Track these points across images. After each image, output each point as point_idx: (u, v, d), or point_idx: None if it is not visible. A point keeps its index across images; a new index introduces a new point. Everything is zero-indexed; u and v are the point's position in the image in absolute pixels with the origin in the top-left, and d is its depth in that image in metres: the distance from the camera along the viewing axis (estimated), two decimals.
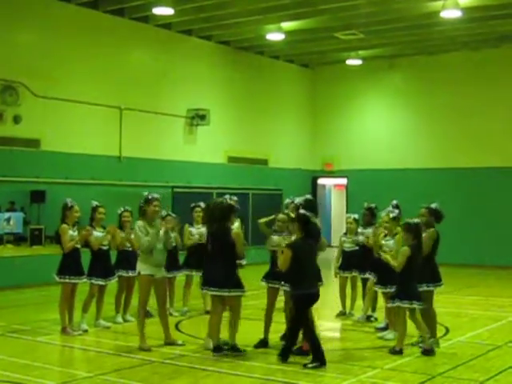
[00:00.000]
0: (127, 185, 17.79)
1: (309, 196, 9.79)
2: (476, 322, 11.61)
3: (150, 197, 9.40)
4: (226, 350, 8.79)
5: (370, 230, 11.15)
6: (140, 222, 9.32)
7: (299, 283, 8.48)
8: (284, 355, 8.49)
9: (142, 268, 9.26)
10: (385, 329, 10.20)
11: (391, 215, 9.92)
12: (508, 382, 7.85)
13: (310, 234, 8.61)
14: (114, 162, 17.87)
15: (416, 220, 9.19)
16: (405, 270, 8.97)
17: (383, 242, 9.91)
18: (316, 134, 24.40)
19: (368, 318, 11.36)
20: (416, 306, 8.95)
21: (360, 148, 23.47)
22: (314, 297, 8.55)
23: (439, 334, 9.90)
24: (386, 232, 10.03)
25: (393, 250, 9.61)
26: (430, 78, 22.29)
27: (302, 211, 8.80)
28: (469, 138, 21.54)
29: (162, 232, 9.35)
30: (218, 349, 8.77)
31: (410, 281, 8.98)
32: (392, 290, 9.45)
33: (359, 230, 11.66)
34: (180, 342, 9.44)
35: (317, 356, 8.33)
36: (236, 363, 8.47)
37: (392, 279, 9.40)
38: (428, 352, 8.89)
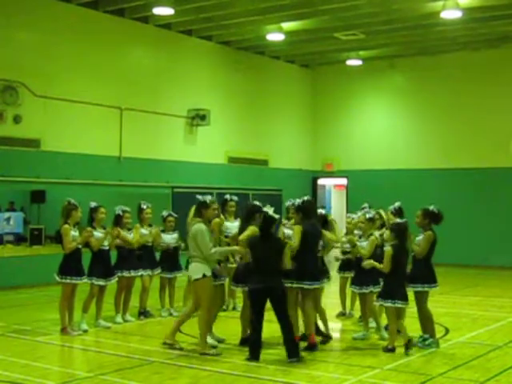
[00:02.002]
0: (127, 185, 17.79)
1: (307, 197, 9.81)
2: (476, 323, 11.60)
3: (208, 201, 9.25)
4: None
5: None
6: (204, 226, 9.09)
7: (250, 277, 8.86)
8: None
9: (206, 270, 8.99)
10: (385, 329, 10.20)
11: (367, 216, 9.96)
12: (509, 382, 7.85)
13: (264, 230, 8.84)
14: (114, 162, 17.86)
15: (400, 220, 9.39)
16: (389, 269, 9.10)
17: (357, 243, 9.98)
18: (316, 134, 24.40)
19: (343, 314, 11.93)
20: (400, 305, 9.06)
21: (360, 148, 23.48)
22: (257, 291, 8.65)
23: (439, 334, 9.91)
24: (361, 233, 10.09)
25: (366, 250, 9.74)
26: (431, 78, 22.29)
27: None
28: (469, 139, 21.54)
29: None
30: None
31: (393, 280, 9.09)
32: (367, 290, 9.81)
33: (355, 231, 11.61)
34: (178, 346, 9.30)
35: (250, 350, 8.65)
36: (236, 363, 8.49)
37: (367, 280, 9.73)
38: (390, 350, 9.03)
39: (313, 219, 9.42)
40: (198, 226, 9.08)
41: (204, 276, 8.95)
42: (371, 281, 9.80)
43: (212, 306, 9.30)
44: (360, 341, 9.86)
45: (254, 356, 8.60)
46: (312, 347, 9.15)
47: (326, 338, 9.80)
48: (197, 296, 9.10)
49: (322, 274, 9.73)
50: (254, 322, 8.73)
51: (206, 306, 9.03)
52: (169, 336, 9.32)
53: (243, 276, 9.24)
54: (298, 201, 9.55)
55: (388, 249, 9.09)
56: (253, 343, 8.70)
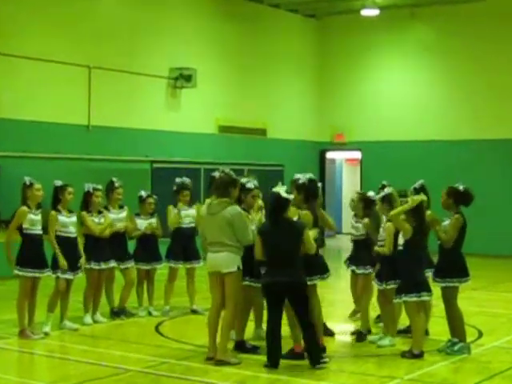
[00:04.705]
0: (97, 159, 17.75)
1: (310, 175, 9.74)
2: None
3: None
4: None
5: None
6: (240, 209, 9.04)
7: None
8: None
9: (239, 262, 8.92)
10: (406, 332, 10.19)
11: (378, 196, 9.95)
12: None
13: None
14: (81, 131, 17.80)
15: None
16: (409, 257, 9.12)
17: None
18: (324, 98, 24.37)
19: None
20: (426, 297, 9.16)
21: (376, 115, 23.42)
22: (269, 286, 8.70)
23: (471, 337, 9.89)
24: None
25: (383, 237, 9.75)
26: (460, 29, 22.10)
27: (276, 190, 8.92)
28: (508, 104, 21.45)
29: None
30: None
31: (415, 269, 9.13)
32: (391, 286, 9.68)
33: None
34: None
35: (268, 356, 8.66)
36: (225, 371, 8.47)
37: (390, 275, 9.60)
38: (416, 356, 9.04)
39: (313, 203, 9.40)
40: (233, 210, 8.90)
41: (238, 269, 8.90)
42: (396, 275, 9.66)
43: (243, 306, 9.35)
44: (372, 344, 9.87)
45: (272, 363, 8.59)
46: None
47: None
48: (225, 292, 8.94)
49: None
50: (269, 323, 8.71)
51: (234, 304, 8.94)
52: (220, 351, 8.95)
53: (246, 270, 9.15)
54: (300, 176, 9.47)
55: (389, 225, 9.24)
56: (270, 347, 8.65)
